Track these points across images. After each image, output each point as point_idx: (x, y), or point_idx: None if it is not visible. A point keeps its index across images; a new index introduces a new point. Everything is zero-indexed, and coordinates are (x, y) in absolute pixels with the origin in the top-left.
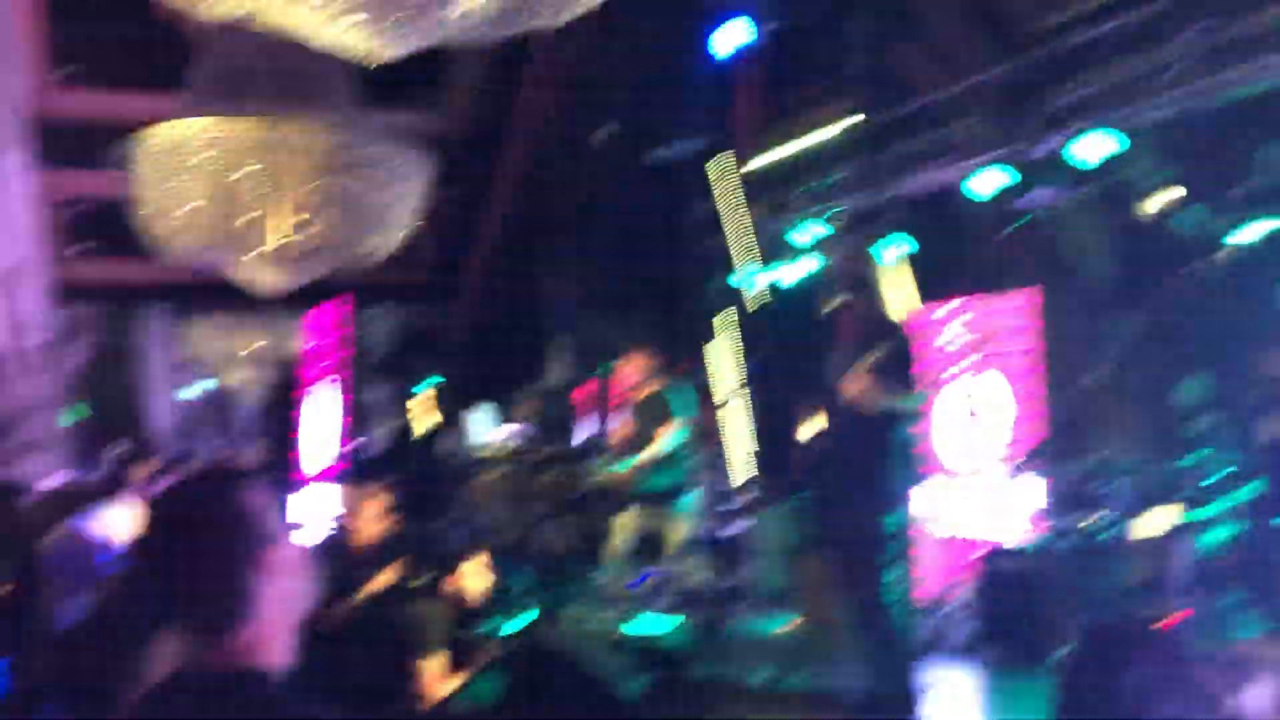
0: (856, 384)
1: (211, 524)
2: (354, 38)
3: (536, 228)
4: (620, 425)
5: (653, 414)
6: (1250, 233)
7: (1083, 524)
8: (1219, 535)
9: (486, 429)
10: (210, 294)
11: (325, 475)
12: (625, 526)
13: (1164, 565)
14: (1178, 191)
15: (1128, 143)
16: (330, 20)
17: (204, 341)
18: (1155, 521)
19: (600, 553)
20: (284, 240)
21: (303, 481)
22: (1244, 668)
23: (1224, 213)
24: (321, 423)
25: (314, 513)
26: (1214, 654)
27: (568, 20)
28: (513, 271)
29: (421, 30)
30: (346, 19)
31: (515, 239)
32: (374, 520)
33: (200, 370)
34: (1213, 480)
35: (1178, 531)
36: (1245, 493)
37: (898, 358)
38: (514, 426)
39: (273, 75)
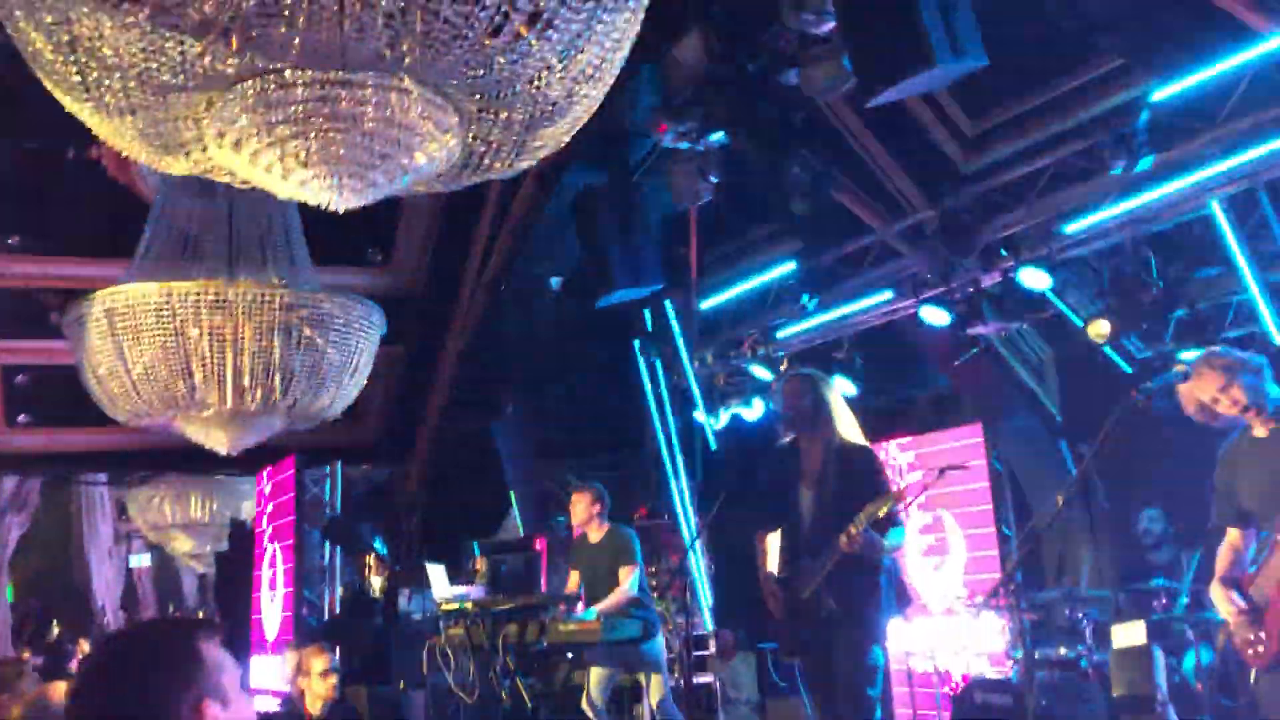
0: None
1: (159, 667)
2: (312, 190)
3: (488, 379)
4: (572, 573)
5: (603, 558)
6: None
7: (1056, 652)
8: (1191, 660)
9: (444, 584)
10: (156, 459)
11: (280, 639)
12: (596, 681)
13: (1139, 679)
14: (1115, 321)
15: (1062, 276)
16: (287, 174)
17: (150, 509)
18: (1124, 635)
19: (568, 705)
20: (234, 402)
21: (260, 645)
22: None
23: (1159, 340)
24: (275, 586)
25: (270, 677)
26: None
27: (524, 167)
28: (466, 426)
29: (381, 180)
30: (304, 172)
31: (467, 392)
32: (323, 682)
33: (147, 538)
34: (1180, 605)
35: (1149, 648)
36: (1212, 615)
37: (865, 491)
38: (473, 581)
39: (223, 236)
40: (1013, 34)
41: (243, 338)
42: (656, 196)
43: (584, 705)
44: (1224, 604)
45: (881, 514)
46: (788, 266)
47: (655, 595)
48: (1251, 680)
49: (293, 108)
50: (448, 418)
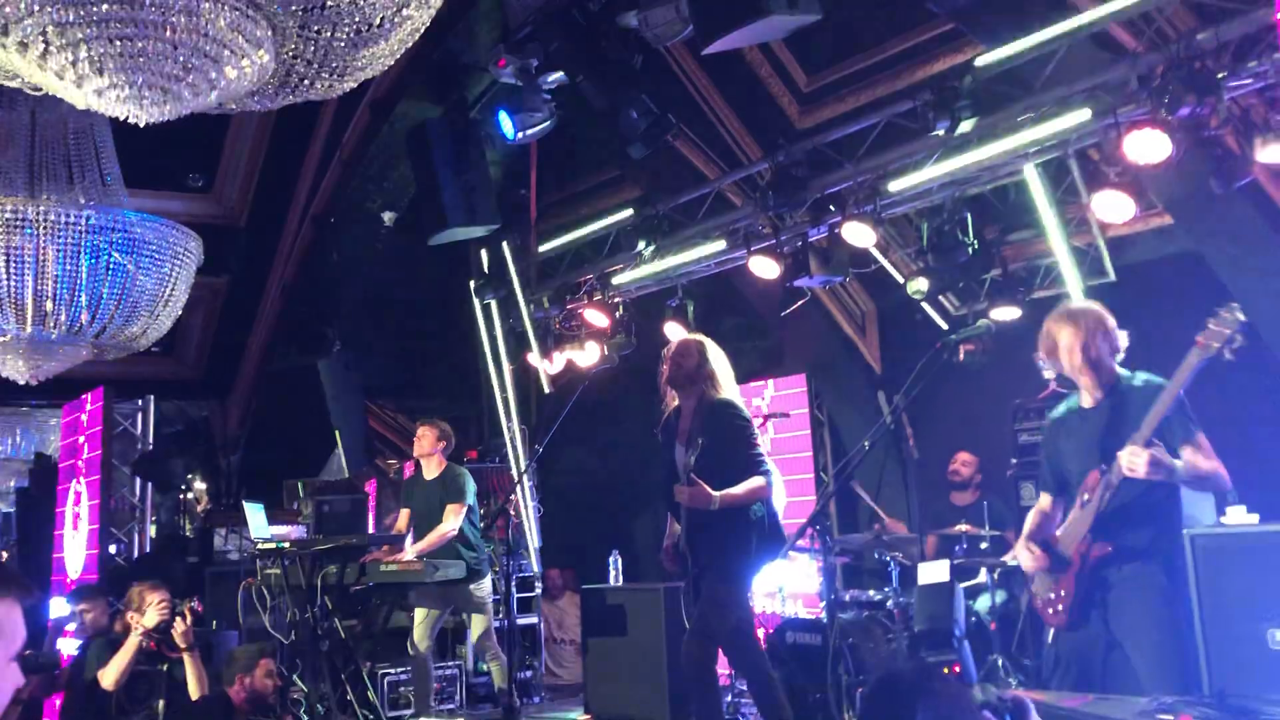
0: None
1: None
2: (112, 100)
3: (316, 315)
4: (401, 512)
5: (435, 496)
6: (1001, 314)
7: (865, 594)
8: (987, 601)
9: (263, 525)
10: None
11: (83, 578)
12: (420, 620)
13: (940, 614)
14: (932, 278)
15: (887, 232)
16: (82, 80)
17: None
18: (929, 572)
19: (391, 648)
20: (36, 327)
21: (60, 585)
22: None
23: (975, 298)
24: (79, 524)
25: (73, 615)
26: (990, 699)
27: (347, 89)
28: (290, 362)
29: (187, 94)
30: (104, 79)
31: (293, 327)
32: (155, 617)
33: None
34: (982, 548)
35: (951, 585)
36: (1011, 563)
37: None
38: (295, 522)
39: (23, 151)
40: None
41: (45, 260)
42: (493, 135)
43: (409, 646)
44: (1026, 557)
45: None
46: (626, 213)
47: (483, 535)
48: (1049, 639)
49: (90, 8)
50: (271, 353)
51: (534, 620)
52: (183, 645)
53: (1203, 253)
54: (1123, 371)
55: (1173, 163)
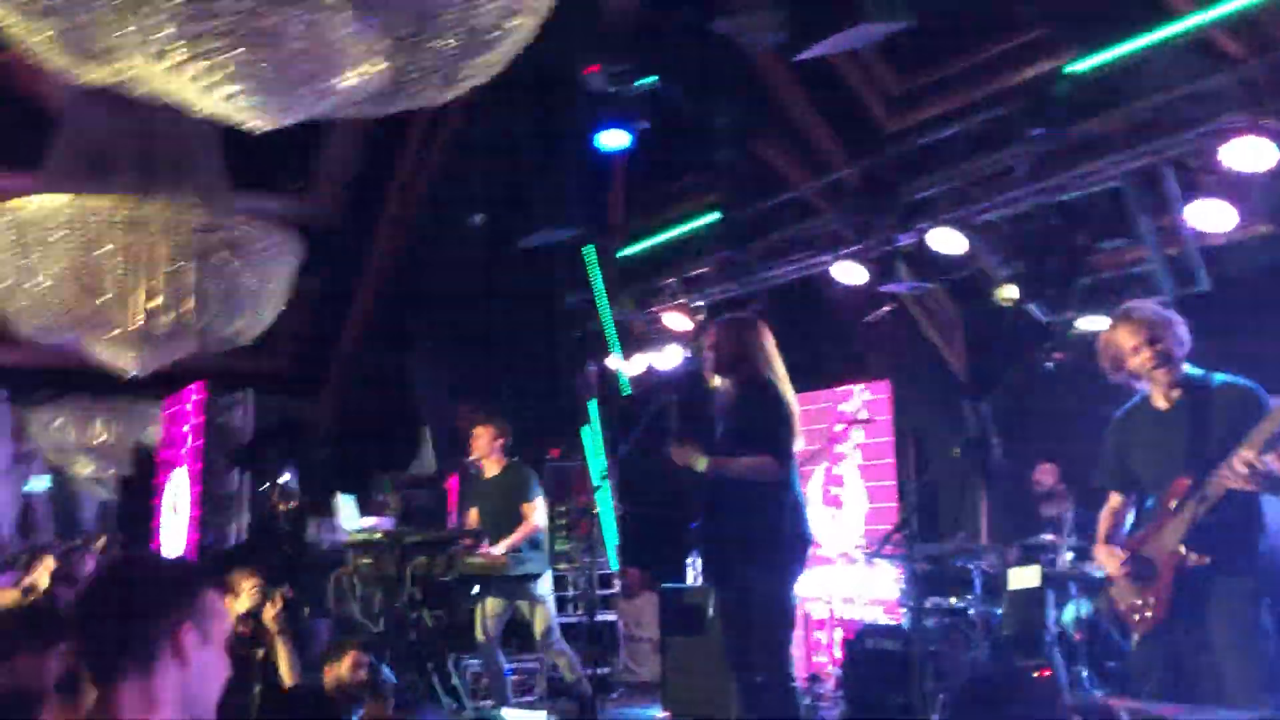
0: (681, 453)
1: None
2: (235, 107)
3: (406, 314)
4: (475, 510)
5: (501, 492)
6: (1089, 323)
7: (946, 602)
8: (1072, 613)
9: (354, 516)
10: (59, 379)
11: None
12: (492, 613)
13: (1030, 620)
14: (1022, 285)
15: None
16: (212, 88)
17: (50, 431)
18: (1020, 578)
19: (472, 639)
20: (144, 321)
21: None
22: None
23: (1065, 306)
24: (179, 511)
25: None
26: (1080, 704)
27: (454, 95)
28: (382, 359)
29: (306, 102)
30: (228, 87)
31: (384, 326)
32: (248, 601)
33: (48, 460)
34: (1064, 559)
35: (1043, 590)
36: (1096, 572)
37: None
38: (383, 514)
39: (138, 152)
40: None
41: (157, 257)
42: (582, 139)
43: (478, 635)
44: (1111, 562)
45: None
46: (709, 218)
47: (564, 534)
48: (1134, 642)
49: (221, 19)
50: (363, 351)
51: (612, 618)
52: (273, 629)
53: None
54: (1194, 371)
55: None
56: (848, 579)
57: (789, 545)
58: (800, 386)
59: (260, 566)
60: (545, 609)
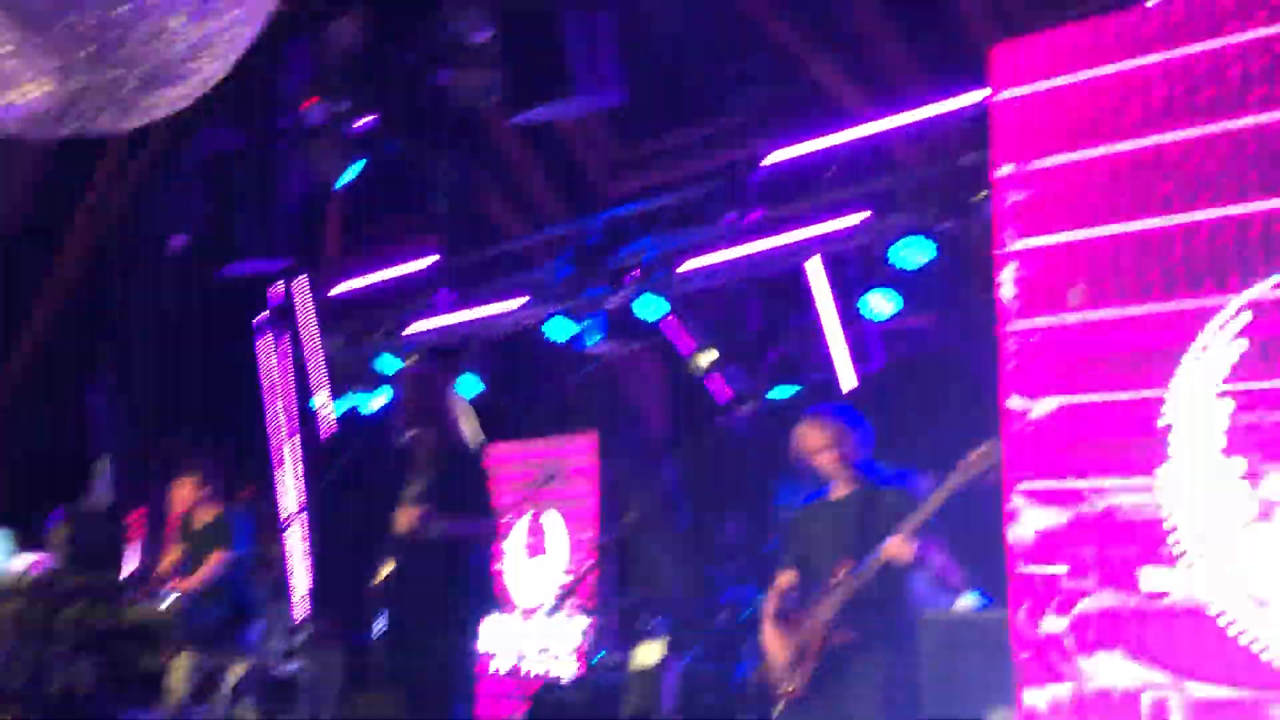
0: (407, 515)
1: None
2: None
3: (91, 337)
4: (168, 554)
5: (206, 541)
6: (779, 392)
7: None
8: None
9: (5, 557)
10: None
11: None
12: (178, 665)
13: (647, 699)
14: (716, 352)
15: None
16: None
17: None
18: (644, 654)
19: (135, 693)
20: None
21: None
22: None
23: (755, 376)
24: None
25: None
26: None
27: (134, 128)
28: (56, 382)
29: None
30: None
31: (61, 347)
32: None
33: None
34: (743, 617)
35: (662, 667)
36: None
37: (466, 491)
38: (38, 554)
39: None
40: (669, 73)
41: None
42: (296, 170)
43: (165, 690)
44: (773, 642)
45: None
46: (426, 261)
47: (247, 581)
48: (776, 711)
49: None
50: (36, 371)
51: (295, 667)
52: None
53: (966, 351)
54: (870, 472)
55: (935, 268)
56: (535, 632)
57: (483, 601)
58: (509, 434)
59: None
60: (242, 661)
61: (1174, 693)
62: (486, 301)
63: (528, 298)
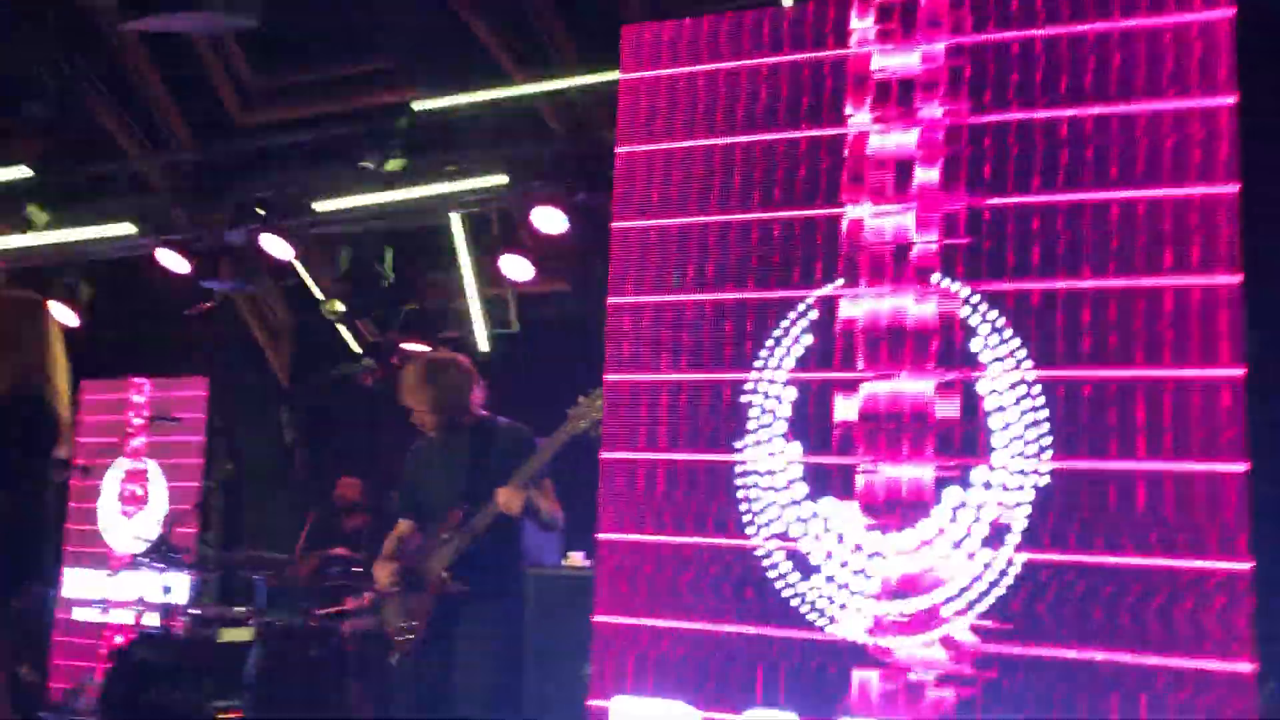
0: None
1: None
2: None
3: None
4: None
5: None
6: (410, 347)
7: (229, 612)
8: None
9: None
10: None
11: None
12: None
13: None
14: (351, 302)
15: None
16: None
17: None
18: (232, 634)
19: None
20: None
21: None
22: None
23: (389, 327)
24: None
25: None
26: None
27: None
28: None
29: None
30: None
31: None
32: None
33: None
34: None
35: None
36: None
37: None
38: None
39: None
40: (319, 4)
41: None
42: None
43: None
44: (383, 574)
45: None
46: (19, 171)
47: None
48: (395, 661)
49: None
50: None
51: None
52: None
53: (595, 320)
54: (483, 414)
55: (570, 238)
56: (129, 585)
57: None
58: (111, 373)
59: None
60: None
61: None
62: (93, 223)
63: (136, 224)
